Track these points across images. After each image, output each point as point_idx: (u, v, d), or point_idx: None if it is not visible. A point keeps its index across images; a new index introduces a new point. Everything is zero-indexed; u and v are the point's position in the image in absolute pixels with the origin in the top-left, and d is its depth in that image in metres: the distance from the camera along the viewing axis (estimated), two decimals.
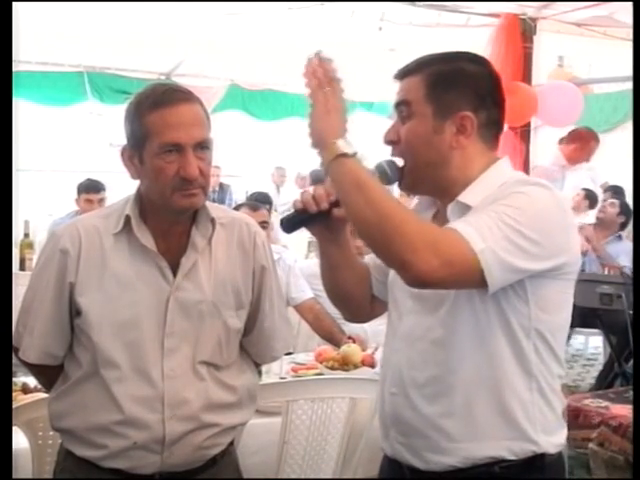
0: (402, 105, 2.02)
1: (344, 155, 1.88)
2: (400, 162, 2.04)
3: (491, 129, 2.02)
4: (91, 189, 6.60)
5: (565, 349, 2.07)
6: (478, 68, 2.02)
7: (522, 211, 1.84)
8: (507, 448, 1.96)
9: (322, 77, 2.02)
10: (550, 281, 1.93)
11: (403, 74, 2.04)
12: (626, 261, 6.70)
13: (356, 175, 1.86)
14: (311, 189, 2.09)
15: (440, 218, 2.06)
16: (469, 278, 1.82)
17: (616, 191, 8.04)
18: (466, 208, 1.97)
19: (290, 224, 2.11)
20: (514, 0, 6.19)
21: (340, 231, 2.16)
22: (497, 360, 1.95)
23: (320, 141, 1.94)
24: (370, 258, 2.29)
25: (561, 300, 1.98)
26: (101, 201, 6.59)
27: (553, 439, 2.01)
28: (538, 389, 1.98)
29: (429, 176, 2.02)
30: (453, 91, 1.98)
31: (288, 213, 2.12)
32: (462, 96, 1.97)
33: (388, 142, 2.05)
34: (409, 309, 2.07)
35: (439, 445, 1.99)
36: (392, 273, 2.15)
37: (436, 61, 2.02)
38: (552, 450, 2.00)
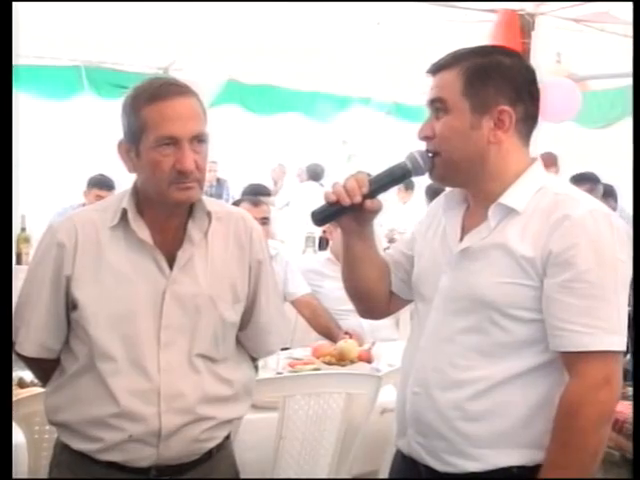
0: (437, 102, 2.00)
1: None
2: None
3: (528, 124, 2.01)
4: (104, 185, 6.50)
5: None
6: (514, 61, 2.00)
7: (598, 266, 1.86)
8: (527, 456, 1.96)
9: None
10: None
11: (437, 68, 2.01)
12: None
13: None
14: (342, 181, 2.07)
15: (473, 214, 2.04)
16: (619, 365, 1.91)
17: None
18: (509, 210, 1.95)
19: (322, 216, 2.09)
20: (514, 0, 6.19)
21: (368, 224, 2.15)
22: (526, 369, 1.94)
23: None
24: (390, 255, 2.29)
25: None
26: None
27: None
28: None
29: (464, 170, 2.00)
30: (491, 85, 1.95)
31: (319, 205, 2.09)
32: (500, 90, 1.95)
33: (423, 138, 2.03)
34: (437, 306, 2.05)
35: (459, 448, 1.98)
36: (417, 268, 2.15)
37: (472, 55, 2.00)
38: None
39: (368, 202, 2.06)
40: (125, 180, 2.29)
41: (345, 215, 2.09)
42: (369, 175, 2.09)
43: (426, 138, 2.02)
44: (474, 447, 1.97)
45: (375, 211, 2.10)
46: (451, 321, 2.00)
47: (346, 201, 2.03)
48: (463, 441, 1.97)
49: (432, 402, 2.01)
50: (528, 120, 2.00)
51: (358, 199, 2.04)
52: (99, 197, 6.42)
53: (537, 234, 1.90)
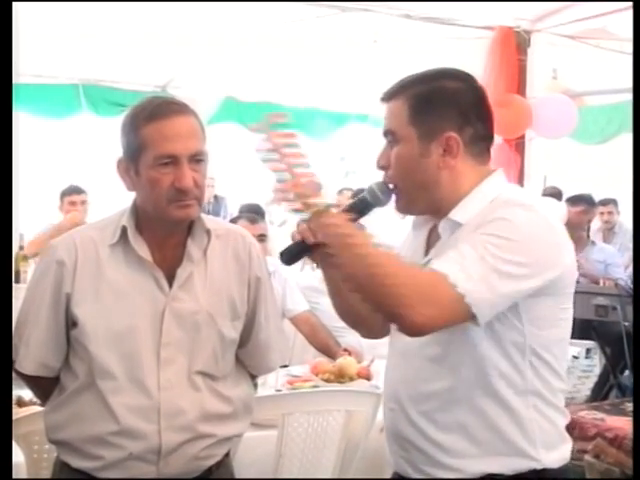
0: (388, 133, 2.03)
1: (327, 211, 1.90)
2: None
3: (479, 144, 2.02)
4: (73, 191, 6.81)
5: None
6: (459, 85, 2.01)
7: (505, 238, 1.85)
8: (504, 464, 1.97)
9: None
10: (543, 298, 1.93)
11: (387, 97, 2.04)
12: (617, 271, 6.68)
13: (343, 234, 1.88)
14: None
15: (436, 233, 2.07)
16: (461, 318, 1.85)
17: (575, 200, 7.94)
18: (457, 225, 1.98)
19: (290, 256, 2.12)
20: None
21: None
22: (490, 378, 1.95)
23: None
24: None
25: (557, 315, 1.98)
26: (83, 203, 6.76)
27: (555, 454, 2.01)
28: (535, 405, 1.98)
29: (421, 197, 2.03)
30: (435, 112, 1.97)
31: (287, 245, 2.11)
32: (445, 116, 1.97)
33: (380, 168, 2.06)
34: None
35: (438, 460, 2.00)
36: None
37: (417, 82, 2.02)
38: (554, 465, 2.00)
39: None
40: (124, 198, 2.29)
41: (314, 252, 2.10)
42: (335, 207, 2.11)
43: (382, 168, 2.05)
44: (450, 457, 1.98)
45: None
46: (417, 337, 1.99)
47: (310, 239, 2.04)
48: (439, 452, 1.99)
49: (406, 416, 2.04)
50: (479, 141, 2.01)
51: (321, 237, 2.04)
52: (72, 203, 6.65)
53: (475, 230, 1.91)
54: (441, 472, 2.00)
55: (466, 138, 1.98)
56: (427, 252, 2.08)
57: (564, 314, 2.01)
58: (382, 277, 1.83)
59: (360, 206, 2.08)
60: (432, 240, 2.09)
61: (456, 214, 1.99)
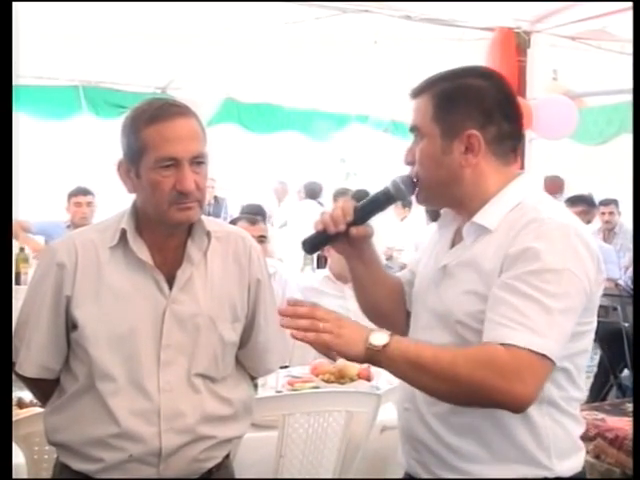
0: (414, 128, 2.04)
1: (383, 346, 1.86)
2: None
3: (504, 144, 2.00)
4: (79, 192, 6.98)
5: None
6: (484, 83, 2.00)
7: (549, 272, 1.83)
8: (516, 472, 1.96)
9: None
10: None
11: (414, 94, 2.05)
12: (612, 269, 6.66)
13: (407, 359, 1.85)
14: (329, 210, 2.11)
15: (460, 232, 2.06)
16: (548, 372, 1.84)
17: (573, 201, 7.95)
18: (481, 229, 1.97)
19: (311, 245, 2.14)
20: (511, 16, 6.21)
21: (363, 248, 2.17)
22: None
23: (355, 353, 1.88)
24: (403, 275, 2.31)
25: (580, 328, 1.95)
26: (90, 204, 6.89)
27: (568, 463, 2.00)
28: (550, 414, 1.96)
29: (443, 193, 2.03)
30: (458, 110, 1.97)
31: (309, 235, 2.14)
32: (467, 114, 1.96)
33: (407, 163, 2.06)
34: (425, 324, 2.07)
35: (449, 463, 1.99)
36: (415, 286, 2.17)
37: (442, 79, 2.02)
38: (567, 474, 1.99)
39: (353, 229, 2.09)
40: (125, 200, 2.29)
41: (336, 242, 2.11)
42: (357, 202, 2.12)
43: (409, 163, 2.06)
44: (462, 461, 1.98)
45: (362, 237, 2.13)
46: (436, 336, 2.01)
47: (331, 229, 2.06)
48: (451, 455, 1.99)
49: (420, 417, 2.04)
50: (504, 140, 2.00)
51: (342, 227, 2.07)
52: (78, 204, 6.78)
53: (501, 247, 1.91)
54: (452, 475, 1.99)
55: (489, 137, 1.97)
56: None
57: (588, 326, 1.99)
58: (464, 381, 1.81)
59: (382, 199, 2.10)
60: (456, 241, 2.08)
61: (481, 218, 1.98)
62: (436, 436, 2.00)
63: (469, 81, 2.01)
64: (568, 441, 2.00)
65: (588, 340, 2.00)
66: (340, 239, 2.10)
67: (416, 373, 1.85)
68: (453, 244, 2.08)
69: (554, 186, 8.76)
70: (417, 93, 2.04)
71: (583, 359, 2.01)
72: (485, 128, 1.97)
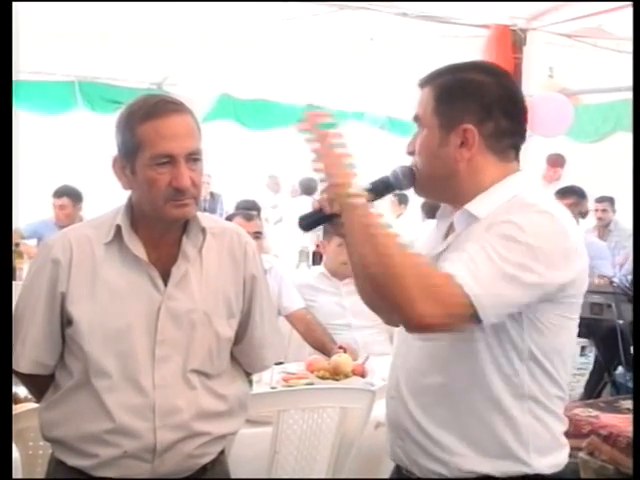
0: (416, 118, 2.05)
1: (354, 199, 1.90)
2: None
3: (502, 140, 2.00)
4: (62, 193, 6.89)
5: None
6: (486, 78, 2.00)
7: (515, 241, 1.83)
8: (496, 467, 1.97)
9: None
10: (548, 304, 1.92)
11: (421, 84, 2.06)
12: (604, 264, 6.66)
13: (364, 223, 1.88)
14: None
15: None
16: (464, 320, 1.83)
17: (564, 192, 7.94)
18: (472, 218, 1.98)
19: (307, 222, 2.14)
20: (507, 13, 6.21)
21: None
22: (486, 378, 1.95)
23: (331, 187, 1.95)
24: None
25: (559, 323, 1.96)
26: (75, 204, 6.88)
27: (548, 460, 2.00)
28: (531, 410, 1.97)
29: (439, 185, 2.04)
30: (457, 103, 1.97)
31: (306, 212, 2.14)
32: (466, 108, 1.97)
33: (408, 153, 2.08)
34: None
35: (430, 453, 2.01)
36: None
37: (445, 72, 2.03)
38: (547, 471, 1.99)
39: None
40: (120, 196, 2.29)
41: (332, 222, 2.10)
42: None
43: (410, 153, 2.07)
44: (443, 452, 1.99)
45: None
46: None
47: (327, 209, 2.05)
48: (432, 445, 2.00)
49: (404, 406, 2.05)
50: (503, 136, 2.00)
51: (338, 209, 2.05)
52: (62, 207, 6.78)
53: (485, 229, 1.91)
54: (433, 465, 2.00)
55: (486, 132, 1.97)
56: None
57: (567, 323, 1.99)
58: (390, 265, 1.82)
59: (381, 186, 2.10)
60: (450, 232, 2.09)
61: (472, 206, 1.98)
62: (418, 426, 2.01)
63: (471, 75, 2.01)
64: (549, 438, 2.00)
65: (568, 339, 2.01)
66: (335, 220, 2.08)
67: (362, 238, 1.88)
68: (447, 235, 2.09)
69: (557, 161, 8.77)
70: (422, 84, 2.05)
71: (562, 358, 2.00)
72: (483, 123, 1.97)
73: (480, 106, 1.97)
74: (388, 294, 1.85)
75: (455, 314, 1.82)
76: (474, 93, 1.98)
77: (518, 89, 2.07)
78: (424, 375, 2.01)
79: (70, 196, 6.91)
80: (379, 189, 2.11)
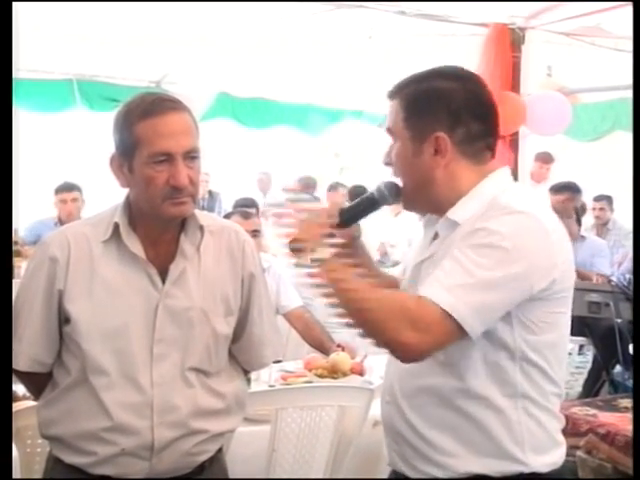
0: (389, 130, 2.07)
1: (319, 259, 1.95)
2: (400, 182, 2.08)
3: (475, 144, 2.01)
4: (64, 189, 6.92)
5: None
6: (453, 84, 2.01)
7: (490, 247, 1.85)
8: (491, 466, 1.97)
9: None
10: (535, 302, 1.92)
11: (389, 96, 2.07)
12: (602, 262, 6.65)
13: (332, 278, 1.93)
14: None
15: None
16: (453, 336, 1.86)
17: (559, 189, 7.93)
18: (454, 224, 1.99)
19: (348, 216, 2.13)
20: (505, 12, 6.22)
21: (351, 249, 2.19)
22: (479, 379, 1.95)
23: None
24: (400, 272, 2.34)
25: (549, 319, 1.96)
26: (75, 200, 6.87)
27: (545, 458, 2.00)
28: (526, 409, 1.97)
29: (419, 196, 2.05)
30: (425, 113, 1.99)
31: (346, 205, 2.16)
32: (435, 117, 1.98)
33: (385, 164, 2.09)
34: None
35: (426, 455, 2.01)
36: (403, 283, 2.19)
37: (411, 82, 2.04)
38: (543, 469, 1.99)
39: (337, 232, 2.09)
40: (118, 193, 2.29)
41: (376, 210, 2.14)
42: (354, 197, 2.14)
43: (387, 164, 2.09)
44: (439, 454, 1.99)
45: (348, 239, 2.15)
46: None
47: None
48: (428, 448, 2.00)
49: (399, 409, 2.06)
50: (475, 140, 2.00)
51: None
52: (64, 201, 6.79)
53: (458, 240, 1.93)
54: (429, 468, 2.01)
55: (457, 138, 1.98)
56: None
57: (558, 318, 1.99)
58: (367, 310, 1.88)
59: (367, 203, 2.12)
60: (435, 238, 2.09)
61: (454, 213, 1.99)
62: (413, 429, 2.02)
63: (436, 83, 2.02)
64: (544, 436, 2.01)
65: (558, 334, 2.01)
66: (378, 207, 2.12)
67: (336, 293, 1.92)
68: (433, 242, 2.10)
69: (545, 159, 8.77)
70: (391, 96, 2.06)
71: (555, 353, 2.00)
72: (453, 130, 1.98)
73: (448, 113, 1.98)
74: (373, 334, 1.90)
75: (439, 332, 1.84)
76: (441, 101, 1.99)
77: (485, 90, 2.06)
78: (417, 377, 2.02)
79: (80, 191, 6.98)
80: (365, 206, 2.11)
